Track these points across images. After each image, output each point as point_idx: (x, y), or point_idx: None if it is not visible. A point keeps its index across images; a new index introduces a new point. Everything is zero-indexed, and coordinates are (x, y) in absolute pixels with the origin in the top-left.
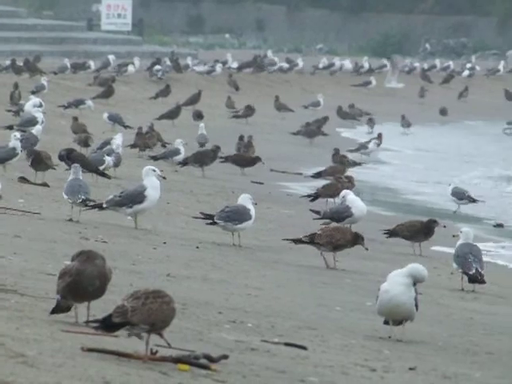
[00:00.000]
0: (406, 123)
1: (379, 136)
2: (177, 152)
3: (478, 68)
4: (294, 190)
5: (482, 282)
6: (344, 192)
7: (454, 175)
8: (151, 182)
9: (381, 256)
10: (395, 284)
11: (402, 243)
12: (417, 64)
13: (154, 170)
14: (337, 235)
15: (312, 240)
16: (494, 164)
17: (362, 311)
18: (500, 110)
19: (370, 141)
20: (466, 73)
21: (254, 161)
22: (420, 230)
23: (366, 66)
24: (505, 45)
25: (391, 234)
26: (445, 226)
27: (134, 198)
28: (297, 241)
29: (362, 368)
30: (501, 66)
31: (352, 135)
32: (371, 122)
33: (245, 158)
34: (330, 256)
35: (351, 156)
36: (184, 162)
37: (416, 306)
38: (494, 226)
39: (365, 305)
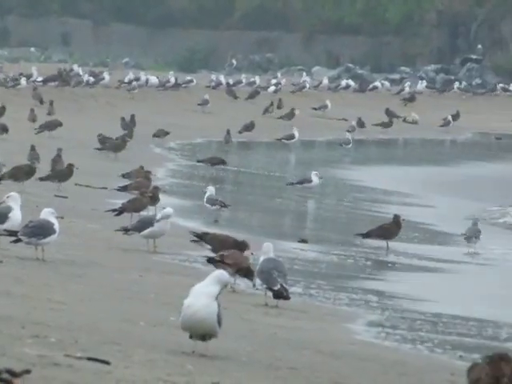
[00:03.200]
0: (228, 139)
1: (222, 161)
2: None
3: (283, 83)
4: (98, 204)
5: (287, 297)
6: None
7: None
8: (54, 220)
9: (184, 271)
10: (198, 298)
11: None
12: (222, 79)
13: (53, 213)
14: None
15: (222, 259)
16: None
17: (166, 326)
18: (306, 126)
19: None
20: (272, 88)
21: (70, 172)
22: (233, 246)
23: (172, 80)
24: (310, 61)
25: (200, 238)
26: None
27: (47, 229)
28: (210, 259)
29: (165, 383)
30: (307, 82)
31: (163, 151)
32: (161, 135)
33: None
34: None
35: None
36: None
37: (219, 322)
38: (299, 242)
39: (168, 320)
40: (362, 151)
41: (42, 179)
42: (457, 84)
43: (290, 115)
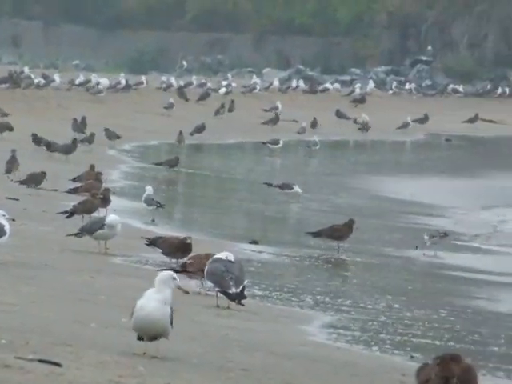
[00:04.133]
0: (181, 139)
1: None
2: None
3: (234, 85)
4: (50, 206)
5: (243, 297)
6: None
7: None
8: (4, 222)
9: (136, 272)
10: (150, 301)
11: (159, 259)
12: (173, 81)
13: (4, 215)
14: (205, 261)
15: (184, 269)
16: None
17: (117, 328)
18: (257, 128)
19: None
20: (223, 90)
21: (43, 176)
22: (177, 247)
23: (123, 82)
24: (261, 62)
25: (151, 243)
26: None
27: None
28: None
29: None
30: (257, 84)
31: (116, 153)
32: (112, 137)
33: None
34: None
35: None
36: None
37: (171, 322)
38: (250, 243)
39: (120, 321)
40: (322, 153)
41: (21, 183)
42: (394, 83)
43: (275, 120)
